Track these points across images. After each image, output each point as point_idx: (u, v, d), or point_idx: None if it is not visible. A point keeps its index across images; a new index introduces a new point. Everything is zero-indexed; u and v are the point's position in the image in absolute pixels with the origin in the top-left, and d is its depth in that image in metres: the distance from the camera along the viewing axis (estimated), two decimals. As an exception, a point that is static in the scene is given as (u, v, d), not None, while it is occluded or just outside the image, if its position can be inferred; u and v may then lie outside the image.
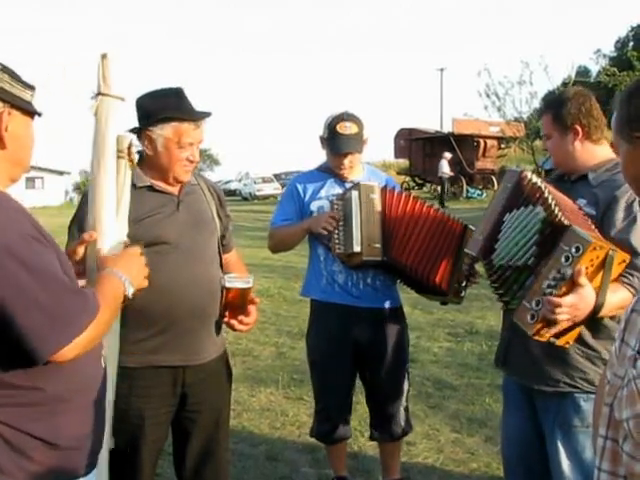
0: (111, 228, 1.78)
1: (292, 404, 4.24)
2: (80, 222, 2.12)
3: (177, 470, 2.35)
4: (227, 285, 2.19)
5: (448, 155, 20.97)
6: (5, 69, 1.49)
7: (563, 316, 1.86)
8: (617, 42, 47.03)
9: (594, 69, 40.33)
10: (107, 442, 1.84)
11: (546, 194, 2.01)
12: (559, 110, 2.17)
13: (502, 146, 23.02)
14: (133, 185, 1.98)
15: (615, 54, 43.67)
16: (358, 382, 3.10)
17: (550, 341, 1.94)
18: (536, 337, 1.92)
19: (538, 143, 18.51)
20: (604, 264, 1.87)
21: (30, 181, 39.31)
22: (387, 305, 2.94)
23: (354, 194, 2.72)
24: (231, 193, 34.54)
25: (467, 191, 21.51)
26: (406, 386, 3.00)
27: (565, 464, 2.12)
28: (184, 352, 2.17)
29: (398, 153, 24.90)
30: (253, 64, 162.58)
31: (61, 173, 45.26)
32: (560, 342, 1.95)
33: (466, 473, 3.32)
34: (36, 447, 1.44)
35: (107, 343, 1.79)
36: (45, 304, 1.36)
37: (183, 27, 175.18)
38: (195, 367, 2.21)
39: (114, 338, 1.84)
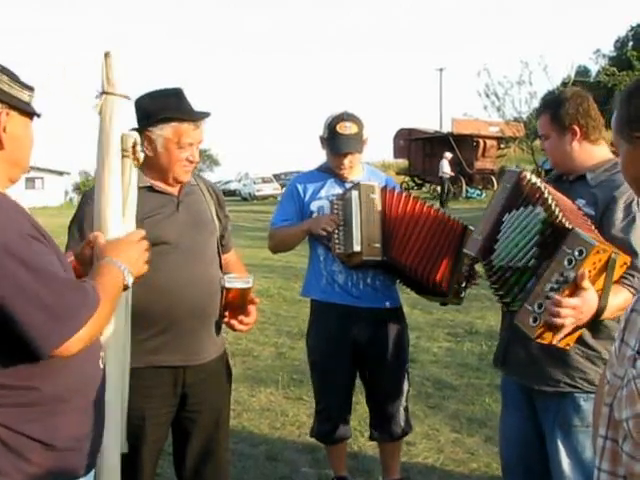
0: (117, 228, 1.78)
1: (292, 404, 4.25)
2: (80, 222, 2.12)
3: (177, 470, 2.36)
4: (227, 285, 2.19)
5: (449, 155, 20.96)
6: (4, 70, 1.49)
7: (567, 320, 1.86)
8: (617, 42, 47.07)
9: (594, 69, 40.38)
10: (120, 446, 1.84)
11: (546, 194, 2.01)
12: (557, 110, 2.17)
13: (502, 146, 23.03)
14: None
15: (615, 54, 43.70)
16: (358, 382, 3.10)
17: (552, 343, 1.94)
18: (538, 340, 1.92)
19: (538, 143, 18.49)
20: (606, 267, 1.86)
21: (30, 181, 39.31)
22: (387, 305, 2.94)
23: (354, 194, 2.72)
24: (231, 193, 34.55)
25: (466, 191, 21.51)
26: (406, 386, 3.00)
27: (565, 464, 2.12)
28: (184, 352, 2.17)
29: (397, 153, 24.91)
30: (253, 64, 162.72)
31: (61, 173, 45.26)
32: (561, 344, 1.95)
33: (466, 473, 3.32)
34: (33, 448, 1.44)
35: (115, 345, 1.78)
36: (45, 301, 1.36)
37: (183, 27, 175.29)
38: (195, 367, 2.21)
39: (123, 340, 1.84)
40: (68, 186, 47.45)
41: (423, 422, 3.88)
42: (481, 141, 22.23)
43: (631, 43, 40.33)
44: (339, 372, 2.95)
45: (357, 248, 2.67)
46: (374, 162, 26.27)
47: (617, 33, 53.40)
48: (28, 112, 1.53)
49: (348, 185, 2.87)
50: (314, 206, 2.93)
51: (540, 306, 1.89)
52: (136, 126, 2.19)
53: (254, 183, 33.32)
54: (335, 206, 2.80)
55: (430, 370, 4.89)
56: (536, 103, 20.30)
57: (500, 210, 2.15)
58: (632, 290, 1.95)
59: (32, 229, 1.43)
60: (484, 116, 22.37)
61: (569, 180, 2.22)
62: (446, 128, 26.50)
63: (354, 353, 2.94)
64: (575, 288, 1.85)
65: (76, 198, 40.80)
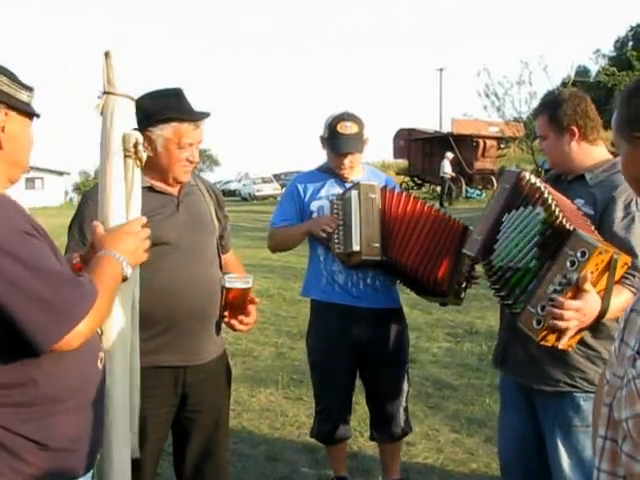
0: None
1: (292, 404, 4.24)
2: (80, 223, 2.12)
3: (177, 470, 2.36)
4: (227, 285, 2.19)
5: (450, 155, 20.94)
6: (2, 70, 1.49)
7: (572, 322, 1.86)
8: (616, 42, 47.10)
9: (593, 69, 40.41)
10: (131, 450, 1.84)
11: (546, 194, 2.01)
12: (555, 111, 2.18)
13: (501, 146, 23.02)
14: None
15: (614, 54, 43.71)
16: (358, 382, 3.10)
17: (554, 346, 1.94)
18: (542, 342, 1.91)
19: (537, 143, 18.47)
20: (608, 268, 1.86)
21: (30, 181, 39.32)
22: (387, 305, 2.94)
23: (354, 193, 2.72)
24: (231, 193, 34.54)
25: (466, 191, 21.49)
26: (406, 386, 3.00)
27: (565, 464, 2.12)
28: (185, 352, 2.18)
29: (397, 153, 24.88)
30: (253, 64, 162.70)
31: (61, 173, 45.27)
32: (564, 346, 1.95)
33: (466, 473, 3.32)
34: (29, 449, 1.44)
35: (121, 347, 1.77)
36: (43, 296, 1.36)
37: (183, 27, 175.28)
38: (196, 367, 2.21)
39: (129, 342, 1.82)
40: (68, 186, 47.50)
41: (423, 422, 3.88)
42: (481, 141, 22.22)
43: (631, 43, 40.34)
44: (339, 372, 2.95)
45: (356, 248, 2.67)
46: (374, 162, 26.28)
47: (617, 33, 53.49)
48: (27, 112, 1.54)
49: (348, 185, 2.87)
50: (314, 206, 2.93)
51: (543, 308, 1.89)
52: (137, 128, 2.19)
53: (254, 183, 33.29)
54: (335, 206, 2.80)
55: (430, 370, 4.89)
56: (536, 103, 20.29)
57: (499, 210, 2.15)
58: (633, 290, 1.95)
59: (27, 225, 1.43)
60: (484, 116, 22.39)
61: (567, 180, 2.22)
62: (446, 128, 26.49)
63: (354, 353, 2.94)
64: (578, 290, 1.85)
65: (76, 198, 40.80)
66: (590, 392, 2.06)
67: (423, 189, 24.06)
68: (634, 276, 1.97)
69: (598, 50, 47.68)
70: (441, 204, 18.46)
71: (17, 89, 1.50)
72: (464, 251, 2.32)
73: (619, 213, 2.02)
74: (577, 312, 1.85)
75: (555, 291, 1.87)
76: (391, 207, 2.75)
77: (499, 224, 2.13)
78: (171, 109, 2.15)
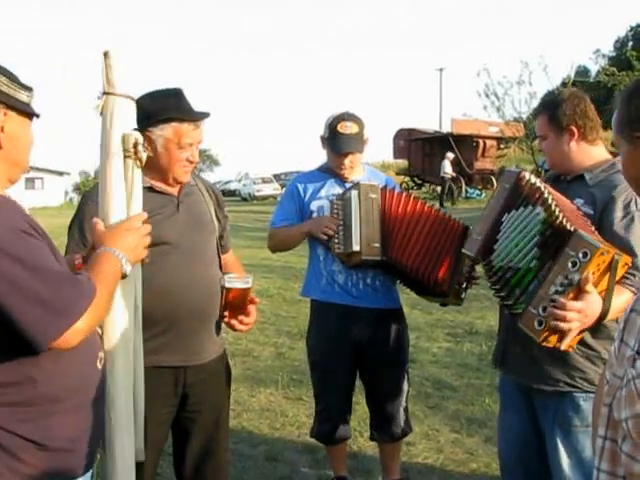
0: None
1: (292, 404, 4.24)
2: (80, 223, 2.12)
3: (177, 470, 2.36)
4: (227, 285, 2.19)
5: (451, 155, 20.93)
6: (2, 70, 1.49)
7: (574, 324, 1.86)
8: (616, 42, 47.12)
9: (593, 69, 40.41)
10: (135, 452, 1.84)
11: (546, 194, 2.01)
12: (555, 111, 2.18)
13: (501, 146, 23.01)
14: None
15: (614, 54, 43.72)
16: (358, 382, 3.10)
17: (556, 346, 1.94)
18: (544, 344, 1.91)
19: (537, 143, 18.47)
20: (609, 268, 1.86)
21: (30, 181, 39.32)
22: (387, 306, 2.93)
23: (354, 193, 2.72)
24: (231, 193, 34.53)
25: (466, 191, 21.49)
26: (406, 386, 3.00)
27: (565, 464, 2.12)
28: (185, 352, 2.18)
29: (397, 153, 24.88)
30: (253, 64, 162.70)
31: (61, 174, 45.27)
32: (565, 347, 1.95)
33: (466, 473, 3.32)
34: (27, 449, 1.44)
35: (124, 350, 1.76)
36: (41, 295, 1.37)
37: (183, 27, 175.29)
38: (196, 367, 2.21)
39: (132, 344, 1.81)
40: (68, 186, 47.50)
41: (423, 422, 3.88)
42: (481, 141, 22.21)
43: (631, 43, 40.34)
44: (339, 372, 2.95)
45: (356, 248, 2.67)
46: (374, 162, 26.27)
47: (617, 33, 53.51)
48: (27, 112, 1.54)
49: (348, 185, 2.87)
50: (314, 206, 2.93)
51: (545, 309, 1.88)
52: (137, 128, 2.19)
53: (254, 183, 33.28)
54: (335, 206, 2.80)
55: (430, 370, 4.89)
56: (536, 103, 20.29)
57: (499, 210, 2.15)
58: (633, 290, 1.96)
59: (25, 225, 1.43)
60: (484, 116, 22.38)
61: (567, 180, 2.23)
62: (446, 128, 26.48)
63: (354, 353, 2.94)
64: (579, 291, 1.85)
65: (76, 198, 40.80)
66: (590, 392, 2.06)
67: (423, 189, 24.05)
68: (634, 275, 1.97)
69: (598, 50, 47.75)
70: (441, 204, 18.45)
71: (16, 89, 1.50)
72: (463, 251, 2.32)
73: (618, 213, 2.02)
74: (579, 313, 1.85)
75: (557, 292, 1.87)
76: (391, 207, 2.75)
77: (499, 224, 2.13)
78: (171, 109, 2.15)
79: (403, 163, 26.28)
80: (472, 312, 6.41)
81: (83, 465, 1.56)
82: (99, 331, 1.70)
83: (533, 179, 2.10)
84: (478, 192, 21.67)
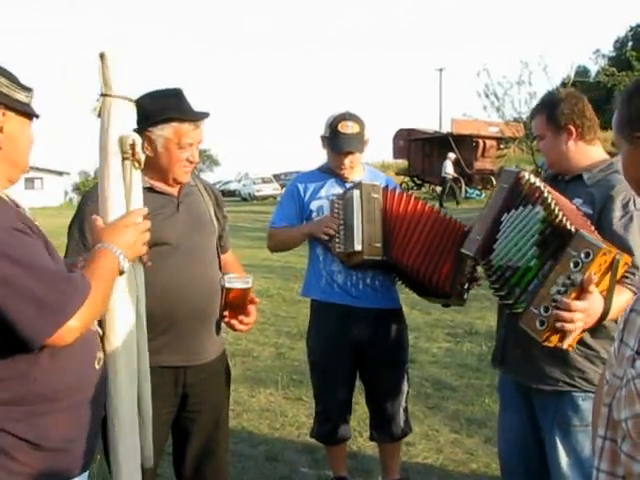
0: None
1: (291, 405, 4.25)
2: (80, 223, 2.12)
3: (177, 470, 2.36)
4: (227, 285, 2.19)
5: (452, 156, 20.92)
6: (1, 71, 1.49)
7: (578, 324, 1.86)
8: (616, 42, 47.16)
9: (593, 69, 40.48)
10: (145, 458, 1.84)
11: (545, 194, 2.01)
12: (553, 111, 2.19)
13: (501, 146, 23.02)
14: None
15: (614, 54, 43.75)
16: (358, 382, 3.10)
17: (557, 346, 1.94)
18: (545, 343, 1.91)
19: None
20: (610, 268, 1.86)
21: (29, 181, 39.30)
22: (386, 306, 2.93)
23: (355, 193, 2.72)
24: (230, 194, 34.51)
25: (466, 191, 21.49)
26: (405, 387, 3.00)
27: (564, 463, 2.12)
28: (185, 352, 2.18)
29: (397, 153, 24.89)
30: (253, 64, 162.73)
31: (60, 174, 45.26)
32: (565, 346, 1.95)
33: (466, 473, 3.32)
34: (21, 448, 1.44)
35: (126, 353, 1.75)
36: (34, 293, 1.37)
37: (183, 27, 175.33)
38: (196, 367, 2.21)
39: (135, 348, 1.80)
40: (67, 186, 47.51)
41: (422, 422, 3.89)
42: (481, 141, 22.22)
43: (630, 43, 40.37)
44: (339, 372, 2.95)
45: (358, 247, 2.67)
46: (373, 162, 26.26)
47: (617, 33, 53.54)
48: (26, 113, 1.54)
49: (349, 185, 2.87)
50: (314, 206, 2.93)
51: (547, 309, 1.88)
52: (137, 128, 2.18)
53: (254, 183, 33.26)
54: (336, 205, 2.80)
55: (429, 371, 4.89)
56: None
57: (498, 210, 2.15)
58: (633, 289, 1.96)
59: (18, 223, 1.43)
60: (484, 116, 22.36)
61: (565, 180, 2.23)
62: (445, 128, 26.50)
63: (354, 353, 2.94)
64: (582, 291, 1.85)
65: (76, 198, 40.81)
66: (589, 392, 2.07)
67: (423, 189, 24.05)
68: (633, 274, 1.98)
69: (598, 50, 47.80)
70: (440, 204, 18.45)
71: (15, 90, 1.50)
72: (462, 251, 2.32)
73: (617, 212, 2.02)
74: (582, 312, 1.85)
75: (559, 292, 1.87)
76: (392, 207, 2.74)
77: (498, 224, 2.13)
78: (171, 109, 2.16)
79: (403, 163, 26.30)
80: (472, 312, 6.41)
81: (80, 465, 1.56)
82: (99, 331, 1.70)
83: (532, 179, 2.10)
84: (478, 192, 21.67)
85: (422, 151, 23.66)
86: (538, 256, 1.98)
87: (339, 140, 2.86)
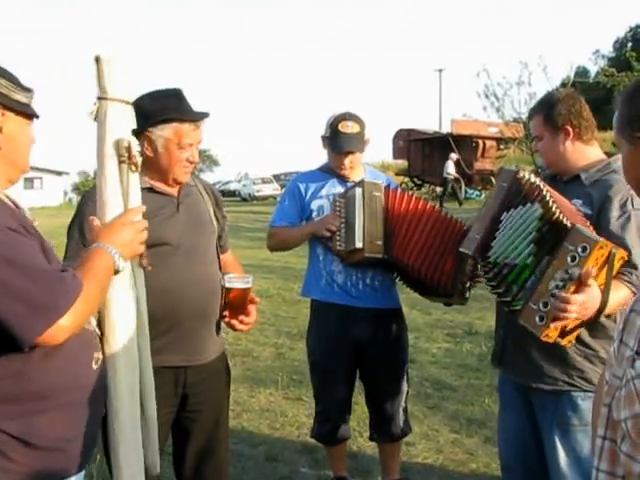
0: None
1: (291, 405, 4.25)
2: (80, 223, 2.12)
3: (177, 470, 2.36)
4: (227, 285, 2.20)
5: (454, 156, 20.90)
6: (1, 71, 1.49)
7: (573, 315, 1.87)
8: (616, 43, 47.21)
9: (593, 70, 40.55)
10: (152, 467, 1.84)
11: (544, 192, 2.03)
12: (550, 111, 2.20)
13: (501, 147, 23.00)
14: None
15: (614, 55, 43.79)
16: (358, 382, 3.10)
17: (556, 341, 1.95)
18: (545, 339, 1.92)
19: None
20: (607, 262, 1.88)
21: (29, 181, 39.29)
22: (386, 306, 2.94)
23: (358, 191, 2.72)
24: (230, 194, 34.50)
25: (465, 192, 21.48)
26: (405, 387, 3.01)
27: (563, 463, 2.13)
28: (187, 352, 2.18)
29: (397, 154, 24.87)
30: (253, 64, 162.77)
31: (60, 173, 45.25)
32: (564, 342, 1.96)
33: (465, 473, 3.32)
34: (14, 446, 1.44)
35: (125, 355, 1.74)
36: (24, 291, 1.37)
37: (183, 27, 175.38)
38: (197, 367, 2.21)
39: (136, 349, 1.79)
40: (67, 186, 47.51)
41: (422, 422, 3.89)
42: (480, 142, 22.20)
43: (630, 44, 40.34)
44: (339, 372, 2.95)
45: (359, 245, 2.67)
46: (373, 163, 26.25)
47: (616, 34, 53.52)
48: (26, 113, 1.54)
49: (350, 184, 2.87)
50: (314, 205, 2.93)
51: (546, 305, 1.90)
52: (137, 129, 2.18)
53: (254, 184, 33.26)
54: (337, 203, 2.80)
55: (429, 371, 4.89)
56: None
57: (497, 209, 2.16)
58: (631, 287, 1.98)
59: (10, 220, 1.44)
60: (483, 117, 22.37)
61: (563, 180, 2.24)
62: (445, 129, 26.47)
63: (354, 353, 2.94)
64: (580, 285, 1.86)
65: (75, 198, 40.80)
66: (588, 391, 2.08)
67: (423, 190, 24.04)
68: (631, 273, 2.00)
69: (597, 51, 47.87)
70: (441, 204, 18.45)
71: (15, 90, 1.50)
72: (461, 249, 2.32)
73: (615, 212, 2.04)
74: (580, 305, 1.87)
75: (557, 287, 1.88)
76: (394, 206, 2.74)
77: (497, 222, 2.14)
78: (171, 109, 2.16)
79: (403, 164, 26.27)
80: (471, 312, 6.41)
81: (76, 465, 1.56)
82: (97, 332, 1.69)
83: (532, 178, 2.11)
84: (478, 193, 21.66)
85: (422, 151, 23.64)
86: (535, 253, 2.00)
87: (339, 140, 2.86)
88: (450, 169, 20.53)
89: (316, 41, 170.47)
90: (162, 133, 2.15)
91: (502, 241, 2.10)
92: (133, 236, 1.68)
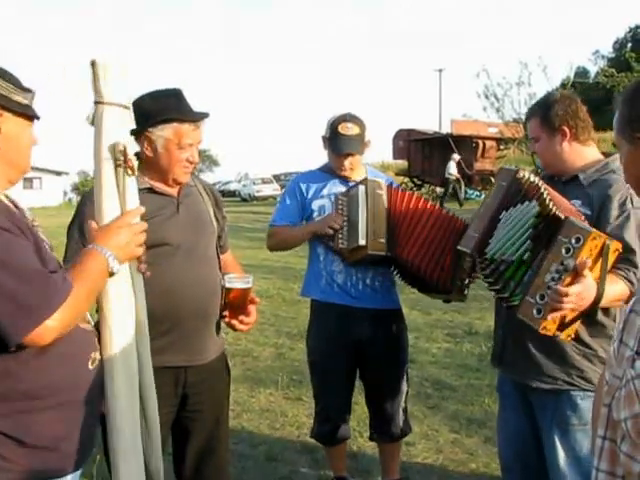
0: None
1: (291, 405, 4.25)
2: (80, 223, 2.12)
3: (177, 470, 2.36)
4: (227, 285, 2.20)
5: (457, 157, 20.87)
6: (0, 72, 1.49)
7: (570, 305, 1.88)
8: (615, 43, 47.25)
9: (592, 70, 40.55)
10: (154, 474, 1.83)
11: (542, 190, 2.04)
12: (547, 112, 2.21)
13: (501, 147, 23.00)
14: None
15: (613, 55, 43.83)
16: (358, 382, 3.10)
17: (555, 335, 1.96)
18: (542, 331, 1.94)
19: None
20: (601, 253, 1.90)
21: (28, 181, 39.25)
22: (386, 306, 2.94)
23: (361, 189, 2.72)
24: (230, 194, 34.48)
25: (465, 192, 21.48)
26: (405, 387, 3.01)
27: (563, 462, 2.13)
28: (188, 352, 2.19)
29: (397, 154, 24.84)
30: (253, 64, 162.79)
31: (59, 173, 45.23)
32: (563, 335, 1.97)
33: (465, 473, 3.32)
34: (7, 445, 1.45)
35: (123, 356, 1.73)
36: (11, 291, 1.38)
37: (183, 27, 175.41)
38: (197, 367, 2.22)
39: (134, 351, 1.78)
40: (66, 186, 47.47)
41: (422, 422, 3.89)
42: (480, 142, 22.19)
43: (630, 44, 40.40)
44: (338, 372, 2.95)
45: (362, 242, 2.67)
46: (373, 163, 26.25)
47: (616, 34, 53.63)
48: (25, 114, 1.54)
49: (352, 184, 2.87)
50: (315, 205, 2.93)
51: (542, 297, 1.92)
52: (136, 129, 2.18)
53: (254, 184, 33.22)
54: (340, 202, 2.80)
55: (429, 371, 4.89)
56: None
57: (496, 208, 2.17)
58: (628, 283, 1.99)
59: (6, 222, 1.44)
60: (483, 117, 22.39)
61: (562, 181, 2.25)
62: (445, 129, 26.47)
63: (354, 353, 2.94)
64: (575, 276, 1.88)
65: (75, 198, 40.78)
66: (587, 390, 2.08)
67: (422, 190, 24.02)
68: (629, 269, 2.01)
69: (597, 51, 47.91)
70: (441, 205, 18.44)
71: (13, 90, 1.50)
72: (459, 248, 2.32)
73: (614, 212, 2.05)
74: (576, 295, 1.88)
75: (553, 279, 1.91)
76: (397, 204, 2.74)
77: (496, 221, 2.15)
78: (171, 109, 2.16)
79: (402, 164, 26.25)
80: (471, 313, 6.42)
81: (71, 464, 1.56)
82: (94, 331, 1.68)
83: (532, 177, 2.12)
84: (477, 193, 21.65)
85: (422, 152, 23.61)
86: (532, 249, 2.01)
87: (339, 141, 2.86)
88: (452, 169, 20.52)
89: (316, 41, 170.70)
90: (162, 133, 2.15)
91: (500, 238, 2.11)
92: (129, 238, 1.67)
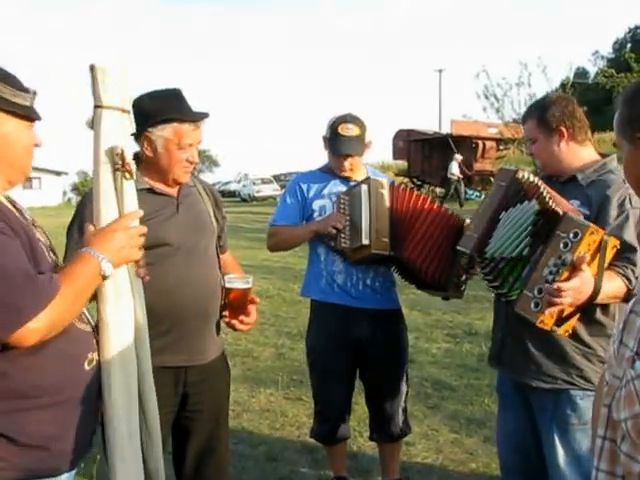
0: None
1: (292, 405, 4.25)
2: (80, 223, 2.12)
3: (177, 470, 2.36)
4: (227, 285, 2.20)
5: (459, 157, 20.87)
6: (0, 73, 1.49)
7: (567, 299, 1.89)
8: (615, 43, 47.32)
9: (592, 70, 40.60)
10: (153, 475, 1.82)
11: (541, 189, 2.05)
12: (543, 114, 2.22)
13: (501, 147, 23.02)
14: None
15: (613, 55, 43.88)
16: (358, 382, 3.10)
17: (552, 329, 1.96)
18: (540, 325, 1.94)
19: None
20: (599, 249, 1.91)
21: (27, 181, 38.95)
22: (386, 306, 2.94)
23: (364, 188, 2.72)
24: (230, 194, 34.48)
25: (465, 192, 21.49)
26: (405, 387, 3.01)
27: (562, 462, 2.14)
28: (188, 352, 2.19)
29: (397, 154, 24.85)
30: (253, 64, 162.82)
31: (58, 173, 45.23)
32: (561, 331, 1.98)
33: (465, 473, 3.32)
34: (1, 444, 1.44)
35: (120, 357, 1.71)
36: None
37: (183, 27, 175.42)
38: (197, 367, 2.22)
39: (133, 352, 1.76)
40: (66, 186, 47.48)
41: (422, 422, 3.89)
42: (480, 142, 22.20)
43: (629, 45, 40.45)
44: (338, 372, 2.95)
45: (366, 241, 2.67)
46: (373, 163, 26.23)
47: (615, 35, 53.73)
48: (24, 115, 1.53)
49: (353, 184, 2.87)
50: (316, 205, 2.93)
51: (540, 291, 1.93)
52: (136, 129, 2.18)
53: (253, 184, 33.22)
54: (342, 201, 2.80)
55: (429, 371, 4.89)
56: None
57: (496, 208, 2.17)
58: (625, 280, 2.00)
59: None
60: (483, 117, 22.39)
61: (560, 182, 2.25)
62: (445, 129, 26.50)
63: (353, 353, 2.94)
64: (573, 270, 1.89)
65: (74, 198, 40.80)
66: (587, 390, 2.09)
67: (422, 190, 24.03)
68: (627, 267, 2.02)
69: (597, 52, 48.01)
70: (441, 204, 18.40)
71: (12, 92, 1.49)
72: (458, 248, 2.32)
73: (613, 211, 2.06)
74: (574, 290, 1.89)
75: (551, 272, 1.92)
76: (399, 203, 2.74)
77: (496, 221, 2.15)
78: (171, 110, 2.16)
79: (402, 164, 26.26)
80: (471, 313, 6.42)
81: (67, 464, 1.56)
82: (94, 332, 1.68)
83: (531, 177, 2.12)
84: (477, 193, 21.65)
85: (422, 152, 23.62)
86: (531, 245, 2.03)
87: (338, 142, 2.86)
88: (454, 169, 20.52)
89: (316, 41, 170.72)
90: (162, 133, 2.15)
91: (499, 238, 2.12)
92: (125, 242, 1.64)
